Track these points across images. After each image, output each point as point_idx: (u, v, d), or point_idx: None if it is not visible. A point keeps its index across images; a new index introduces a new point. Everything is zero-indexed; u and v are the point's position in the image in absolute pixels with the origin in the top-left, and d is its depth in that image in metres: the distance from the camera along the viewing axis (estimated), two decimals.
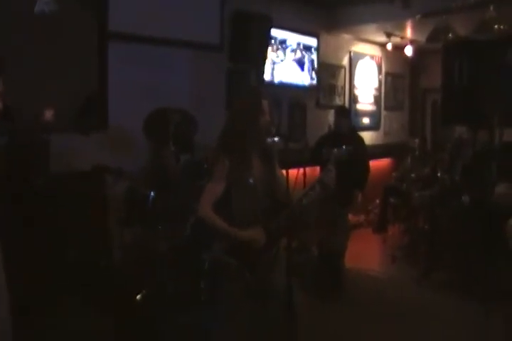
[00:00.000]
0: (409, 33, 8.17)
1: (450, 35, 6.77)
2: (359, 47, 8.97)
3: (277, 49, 7.10)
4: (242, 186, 3.00)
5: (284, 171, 3.01)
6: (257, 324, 2.97)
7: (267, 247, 2.99)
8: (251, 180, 3.01)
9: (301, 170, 3.79)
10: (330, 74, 8.31)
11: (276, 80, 7.10)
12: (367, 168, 5.82)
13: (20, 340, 1.55)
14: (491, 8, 6.18)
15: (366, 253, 7.10)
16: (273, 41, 6.95)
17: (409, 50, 8.58)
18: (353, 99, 8.88)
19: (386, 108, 9.83)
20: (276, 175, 3.14)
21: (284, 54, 7.23)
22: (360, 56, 9.01)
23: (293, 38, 7.35)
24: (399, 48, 8.81)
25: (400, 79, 10.22)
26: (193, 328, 3.82)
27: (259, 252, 2.97)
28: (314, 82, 7.76)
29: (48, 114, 4.51)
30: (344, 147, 3.29)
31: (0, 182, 3.53)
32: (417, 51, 8.80)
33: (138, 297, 4.27)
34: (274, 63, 7.05)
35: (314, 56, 7.72)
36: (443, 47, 6.40)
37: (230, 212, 2.98)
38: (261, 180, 3.05)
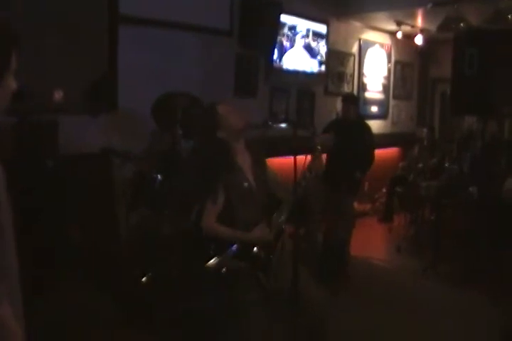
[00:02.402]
0: (419, 21, 8.09)
1: (462, 24, 6.70)
2: (369, 35, 8.89)
3: (287, 35, 7.05)
4: (239, 192, 3.03)
5: (291, 158, 3.00)
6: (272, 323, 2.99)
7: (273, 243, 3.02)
8: (245, 184, 3.05)
9: (309, 156, 3.76)
10: (339, 62, 8.25)
11: (285, 66, 7.04)
12: (372, 155, 5.81)
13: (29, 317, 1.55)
14: None
15: (371, 242, 7.11)
16: (283, 27, 6.89)
17: (419, 39, 8.51)
18: (362, 87, 8.82)
19: (395, 97, 9.77)
20: (268, 172, 3.19)
21: (294, 40, 7.17)
22: (369, 44, 8.93)
23: (303, 25, 7.27)
24: (409, 37, 8.73)
25: (410, 68, 10.14)
26: (195, 314, 3.82)
27: (268, 251, 2.99)
28: (323, 69, 7.69)
29: (58, 95, 4.50)
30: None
31: (10, 162, 3.52)
32: (427, 40, 8.73)
33: (143, 279, 4.28)
34: (283, 49, 7.00)
35: (324, 43, 7.66)
36: (454, 37, 6.32)
37: (233, 218, 3.01)
38: (255, 179, 3.10)
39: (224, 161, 3.01)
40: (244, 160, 3.12)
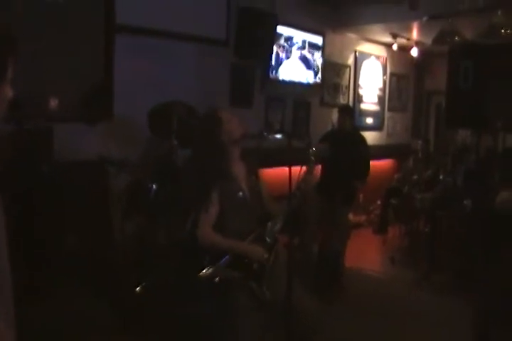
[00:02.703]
0: (415, 34, 8.15)
1: (456, 38, 6.74)
2: (365, 47, 8.94)
3: (283, 46, 7.08)
4: (233, 202, 3.02)
5: (286, 169, 3.00)
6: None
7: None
8: (240, 193, 3.05)
9: (304, 168, 3.77)
10: (335, 73, 8.29)
11: (280, 77, 7.07)
12: (367, 167, 5.82)
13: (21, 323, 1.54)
14: (499, 12, 6.16)
15: (366, 254, 7.10)
16: (279, 38, 6.93)
17: (414, 52, 8.57)
18: (357, 99, 8.86)
19: (390, 109, 9.81)
20: (260, 182, 3.19)
21: (290, 51, 7.20)
22: (365, 56, 8.98)
23: (299, 36, 7.31)
24: (404, 49, 8.80)
25: (405, 81, 10.19)
26: (191, 321, 3.81)
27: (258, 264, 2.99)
28: (319, 80, 7.73)
29: (53, 103, 4.50)
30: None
31: (6, 168, 3.52)
32: (422, 53, 8.79)
33: (138, 289, 4.26)
34: (279, 60, 7.02)
35: (319, 54, 7.69)
36: (449, 50, 6.33)
37: (226, 228, 3.00)
38: (249, 189, 3.10)
39: (220, 166, 2.99)
40: (239, 169, 3.11)
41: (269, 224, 3.06)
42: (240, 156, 3.15)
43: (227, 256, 2.94)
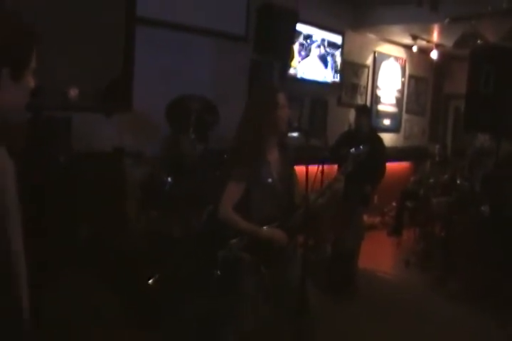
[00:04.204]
0: (435, 36, 8.06)
1: (478, 41, 6.65)
2: (384, 48, 8.86)
3: (302, 44, 7.02)
4: (262, 187, 2.97)
5: (303, 167, 2.94)
6: (270, 319, 2.94)
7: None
8: (270, 180, 2.99)
9: (320, 167, 3.72)
10: (353, 73, 8.22)
11: (299, 75, 7.02)
12: (383, 168, 5.75)
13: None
14: None
15: (379, 256, 7.03)
16: (298, 36, 6.87)
17: (434, 54, 8.49)
18: (375, 100, 8.78)
19: (408, 111, 9.72)
20: (293, 174, 3.12)
21: (309, 49, 7.15)
22: (384, 57, 8.90)
23: (318, 34, 7.25)
24: (424, 52, 8.73)
25: (424, 83, 10.10)
26: (202, 314, 3.81)
27: (276, 249, 2.94)
28: (337, 79, 7.66)
29: (73, 93, 4.48)
30: (361, 147, 3.17)
31: (23, 156, 3.51)
32: (442, 56, 8.70)
33: (150, 281, 4.24)
34: (298, 58, 6.96)
35: (338, 53, 7.63)
36: (470, 53, 6.27)
37: (250, 211, 2.96)
38: (279, 177, 3.03)
39: (258, 146, 2.92)
40: (274, 157, 3.04)
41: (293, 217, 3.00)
42: (277, 144, 3.06)
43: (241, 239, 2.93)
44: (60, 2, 4.48)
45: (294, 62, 6.90)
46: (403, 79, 9.50)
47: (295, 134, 3.11)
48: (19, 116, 1.63)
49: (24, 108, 1.51)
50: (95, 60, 4.72)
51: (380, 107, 8.96)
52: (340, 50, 7.64)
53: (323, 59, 7.41)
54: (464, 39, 6.78)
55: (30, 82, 1.46)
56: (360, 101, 8.32)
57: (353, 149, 3.13)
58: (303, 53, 7.06)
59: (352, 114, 6.40)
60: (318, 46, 7.30)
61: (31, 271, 1.47)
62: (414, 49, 8.50)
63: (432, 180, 7.48)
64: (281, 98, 2.98)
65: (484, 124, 6.02)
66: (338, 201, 3.33)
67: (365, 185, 5.53)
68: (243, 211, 2.93)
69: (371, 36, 8.40)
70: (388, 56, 9.01)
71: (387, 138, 8.35)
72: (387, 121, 9.17)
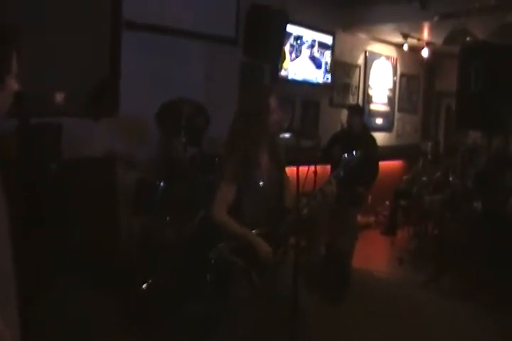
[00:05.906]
0: (426, 34, 8.08)
1: (468, 38, 6.67)
2: (375, 47, 8.89)
3: (293, 45, 7.04)
4: (253, 190, 2.99)
5: (294, 168, 2.95)
6: (263, 326, 2.95)
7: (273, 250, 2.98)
8: (261, 183, 3.00)
9: (312, 167, 3.72)
10: (344, 73, 8.24)
11: (290, 77, 7.03)
12: (376, 168, 5.75)
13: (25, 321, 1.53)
14: None
15: (373, 255, 7.06)
16: (288, 37, 6.89)
17: (425, 52, 8.50)
18: (367, 99, 8.81)
19: (400, 109, 9.75)
20: (284, 177, 3.12)
21: (300, 50, 7.16)
22: (375, 56, 8.93)
23: (309, 35, 7.27)
24: (415, 50, 8.74)
25: (415, 81, 10.14)
26: (196, 319, 3.81)
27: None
28: (328, 80, 7.68)
29: (59, 97, 4.45)
30: (354, 152, 3.16)
31: (12, 165, 3.51)
32: (433, 53, 8.71)
33: (143, 286, 4.25)
34: (289, 59, 6.98)
35: (329, 54, 7.65)
36: (460, 50, 6.30)
37: (240, 214, 2.97)
38: (270, 181, 3.04)
39: (249, 150, 2.93)
40: (265, 160, 3.05)
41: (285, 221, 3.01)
42: (268, 147, 3.07)
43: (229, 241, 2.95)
44: (44, 3, 4.42)
45: (285, 64, 6.92)
46: (395, 78, 9.53)
47: (286, 135, 3.11)
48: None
49: (9, 114, 1.49)
50: (81, 62, 4.67)
51: (372, 106, 8.99)
52: (331, 50, 7.66)
53: (314, 59, 7.42)
54: (453, 36, 6.80)
55: (13, 86, 1.45)
56: (352, 101, 8.33)
57: (346, 155, 3.12)
58: (294, 54, 7.07)
59: (344, 114, 6.41)
60: (309, 47, 7.32)
61: (23, 276, 1.47)
62: (405, 47, 8.49)
63: (424, 178, 7.51)
64: (273, 101, 2.99)
65: (475, 121, 6.05)
66: (331, 204, 3.31)
67: (358, 187, 5.54)
68: (234, 214, 2.94)
69: (362, 36, 8.42)
70: (379, 55, 9.04)
71: (380, 137, 8.36)
72: (379, 120, 9.20)
